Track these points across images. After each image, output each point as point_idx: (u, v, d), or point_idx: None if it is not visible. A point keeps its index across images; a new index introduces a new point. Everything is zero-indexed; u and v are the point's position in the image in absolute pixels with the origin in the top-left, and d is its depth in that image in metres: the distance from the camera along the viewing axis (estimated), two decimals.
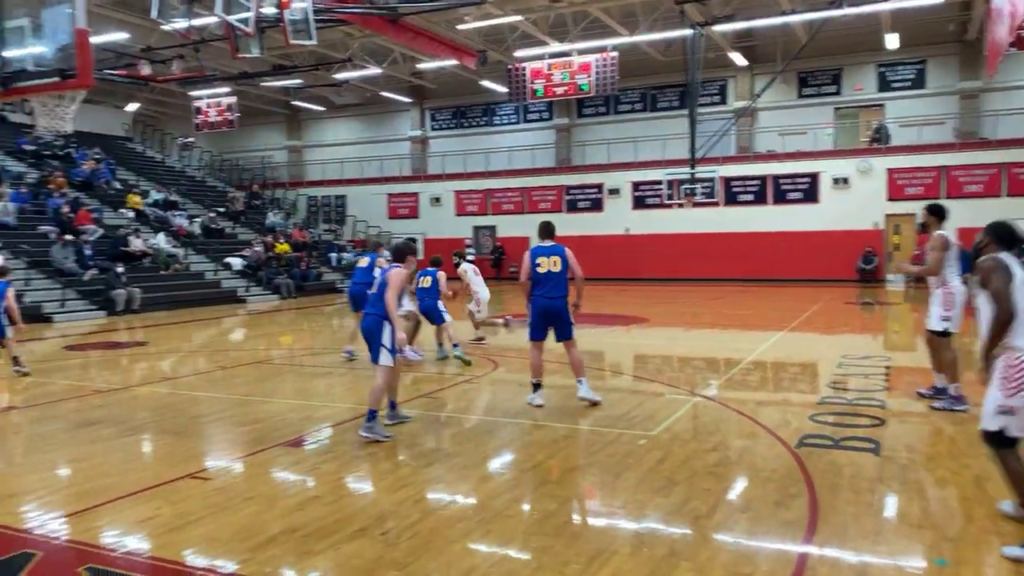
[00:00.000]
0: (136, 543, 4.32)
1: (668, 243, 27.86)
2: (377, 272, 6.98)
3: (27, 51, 6.18)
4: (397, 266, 6.67)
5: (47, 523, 4.65)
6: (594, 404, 7.50)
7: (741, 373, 9.76)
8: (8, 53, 5.92)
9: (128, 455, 6.33)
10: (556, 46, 22.81)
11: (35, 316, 16.75)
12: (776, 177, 26.80)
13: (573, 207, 30.00)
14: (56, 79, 5.59)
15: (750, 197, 27.19)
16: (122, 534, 4.47)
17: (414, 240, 10.28)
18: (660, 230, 27.98)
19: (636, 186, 28.77)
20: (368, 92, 31.84)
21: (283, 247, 26.63)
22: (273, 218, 30.24)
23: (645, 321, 16.06)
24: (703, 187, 23.53)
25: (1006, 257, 4.33)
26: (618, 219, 28.96)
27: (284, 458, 6.07)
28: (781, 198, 26.78)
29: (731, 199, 27.17)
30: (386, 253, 10.49)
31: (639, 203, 28.80)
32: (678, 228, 27.59)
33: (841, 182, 25.77)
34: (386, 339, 6.37)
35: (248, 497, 5.07)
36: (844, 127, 27.37)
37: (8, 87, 5.74)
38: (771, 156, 27.28)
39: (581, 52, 21.76)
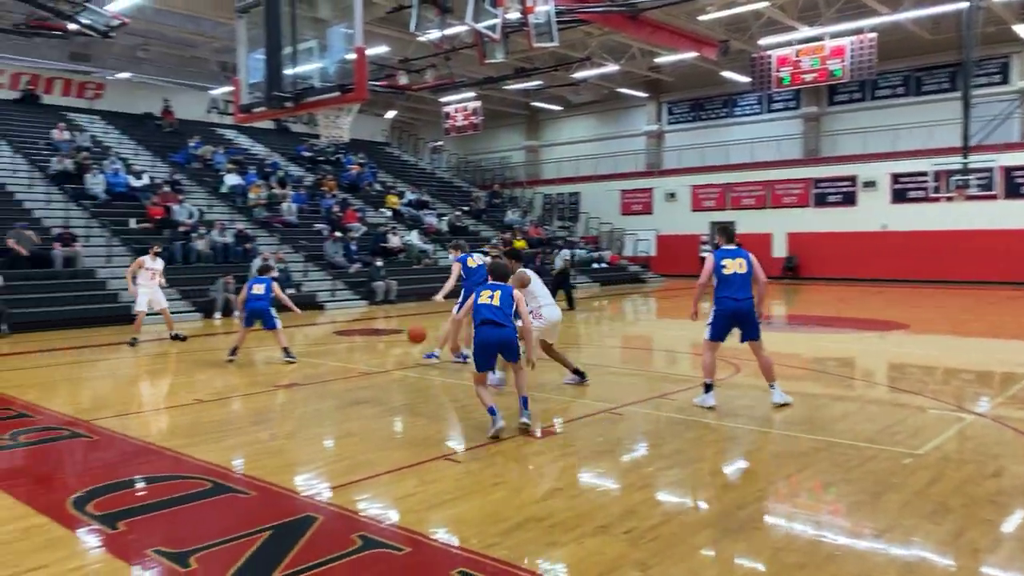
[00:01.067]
0: (398, 516, 4.70)
1: (933, 241, 25.11)
2: None
3: (313, 67, 6.96)
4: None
5: (323, 491, 5.22)
6: (785, 405, 7.43)
7: None
8: (299, 71, 6.69)
9: (388, 434, 6.92)
10: (805, 31, 21.43)
11: (311, 304, 18.92)
12: None
13: (822, 201, 28.06)
14: (337, 94, 6.23)
15: None
16: (385, 507, 4.89)
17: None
18: (923, 226, 25.30)
19: (896, 178, 26.26)
20: (605, 89, 32.06)
21: (520, 243, 27.65)
22: (511, 216, 31.51)
23: (904, 327, 14.60)
24: (978, 178, 20.95)
25: None
26: (874, 214, 26.63)
27: (527, 448, 6.29)
28: None
29: (1013, 191, 23.87)
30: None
31: (899, 196, 26.25)
32: (946, 225, 24.77)
33: None
34: None
35: (496, 483, 5.32)
36: None
37: (299, 103, 6.50)
38: None
39: (834, 36, 20.25)
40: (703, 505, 4.89)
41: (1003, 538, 4.31)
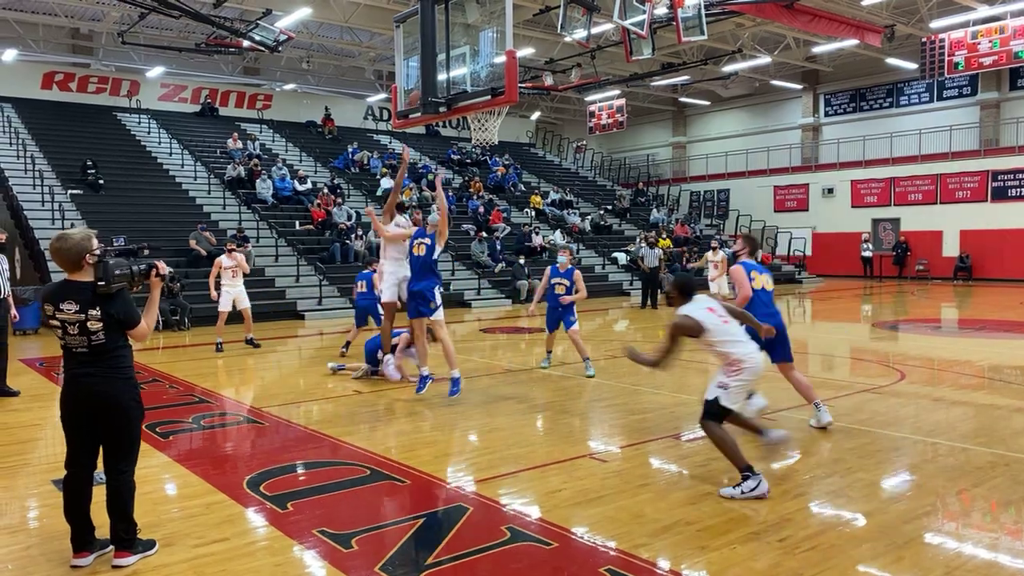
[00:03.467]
0: (545, 511, 4.76)
1: None
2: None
3: (464, 71, 7.18)
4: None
5: (473, 483, 5.38)
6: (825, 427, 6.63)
7: None
8: (451, 76, 6.92)
9: (535, 430, 7.02)
10: (984, 10, 19.69)
11: (459, 302, 19.52)
12: None
13: (1001, 195, 25.69)
14: (488, 97, 6.39)
15: None
16: (532, 502, 4.97)
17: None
18: None
19: None
20: (756, 82, 30.92)
21: (665, 243, 27.17)
22: (656, 214, 31.02)
23: None
24: None
25: None
26: None
27: (672, 450, 6.20)
28: None
29: None
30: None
31: None
32: None
33: None
34: None
35: (643, 484, 5.27)
36: None
37: (452, 107, 6.73)
38: None
39: (1016, 14, 18.48)
40: (864, 517, 4.62)
41: None
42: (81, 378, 3.91)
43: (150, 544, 4.13)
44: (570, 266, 9.74)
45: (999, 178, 25.74)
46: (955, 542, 4.25)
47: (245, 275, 12.45)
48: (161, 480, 5.48)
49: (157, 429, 6.83)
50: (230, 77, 30.29)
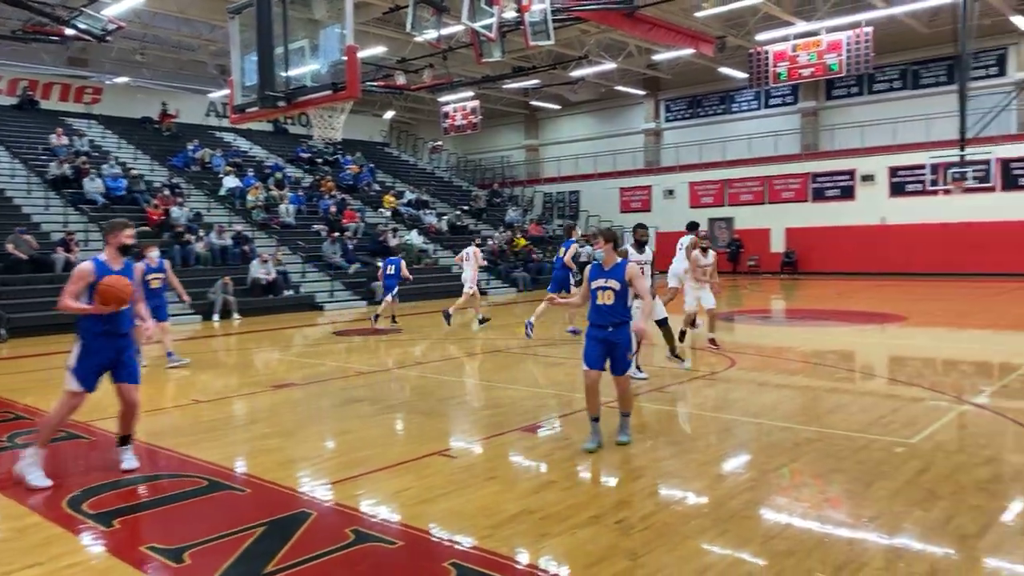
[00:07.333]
0: (391, 512, 4.73)
1: (931, 234, 25.10)
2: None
3: (307, 69, 6.99)
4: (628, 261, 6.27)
5: (319, 488, 5.25)
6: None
7: (1021, 380, 8.57)
8: (292, 72, 6.72)
9: (385, 431, 6.95)
10: (802, 26, 21.42)
11: (310, 305, 19.00)
12: None
13: (820, 196, 28.06)
14: (329, 92, 6.26)
15: None
16: (379, 503, 4.92)
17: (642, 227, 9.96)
18: (922, 219, 25.30)
19: (894, 171, 26.24)
20: (602, 87, 32.08)
21: (521, 242, 27.70)
22: (512, 214, 31.54)
23: (902, 319, 14.62)
24: (975, 170, 20.97)
25: None
26: (872, 208, 26.61)
27: (521, 443, 6.32)
28: None
29: (1011, 183, 23.84)
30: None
31: (897, 190, 26.24)
32: (943, 217, 24.76)
33: None
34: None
35: (490, 477, 5.35)
36: None
37: (291, 102, 6.53)
38: None
39: (831, 30, 20.24)
40: (695, 495, 4.91)
41: (991, 524, 4.33)
42: None
43: None
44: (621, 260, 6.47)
45: (818, 180, 28.11)
46: (773, 513, 4.60)
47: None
48: None
49: None
50: (53, 68, 27.87)
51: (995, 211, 23.78)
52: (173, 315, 16.29)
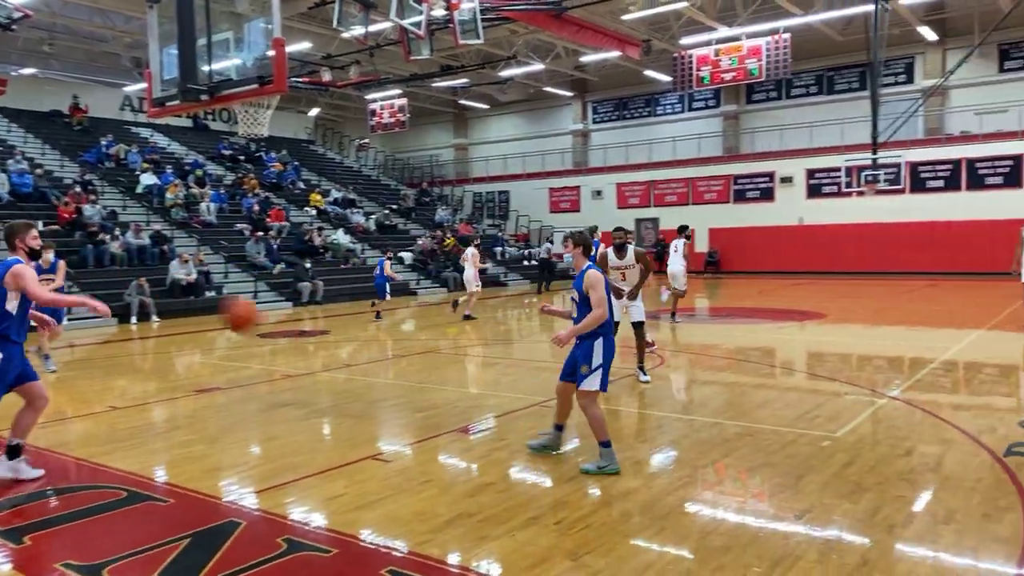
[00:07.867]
0: (324, 519, 4.59)
1: (846, 234, 26.16)
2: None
3: (231, 63, 6.74)
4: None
5: (247, 496, 5.06)
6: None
7: (933, 374, 8.97)
8: (215, 66, 6.47)
9: (315, 436, 6.77)
10: (724, 31, 21.99)
11: None
12: (972, 161, 24.46)
13: (741, 197, 28.89)
14: (255, 86, 6.05)
15: (940, 183, 25.02)
16: (312, 510, 4.77)
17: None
18: (837, 220, 26.34)
19: (811, 174, 27.24)
20: (531, 88, 32.22)
21: (451, 241, 27.55)
22: (441, 214, 31.36)
23: (821, 317, 15.15)
24: (886, 173, 21.88)
25: None
26: (791, 209, 27.56)
27: (457, 444, 6.25)
28: (978, 183, 24.41)
29: (918, 186, 25.08)
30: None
31: (814, 191, 27.25)
32: (858, 218, 25.86)
33: None
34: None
35: (425, 480, 5.26)
36: None
37: (215, 95, 6.29)
38: (966, 138, 24.90)
39: (751, 36, 20.85)
40: (632, 493, 4.94)
41: (915, 514, 4.49)
42: None
43: None
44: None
45: (739, 181, 28.93)
46: (709, 508, 4.66)
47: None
48: None
49: None
50: None
51: (904, 212, 24.96)
52: (88, 318, 15.62)
